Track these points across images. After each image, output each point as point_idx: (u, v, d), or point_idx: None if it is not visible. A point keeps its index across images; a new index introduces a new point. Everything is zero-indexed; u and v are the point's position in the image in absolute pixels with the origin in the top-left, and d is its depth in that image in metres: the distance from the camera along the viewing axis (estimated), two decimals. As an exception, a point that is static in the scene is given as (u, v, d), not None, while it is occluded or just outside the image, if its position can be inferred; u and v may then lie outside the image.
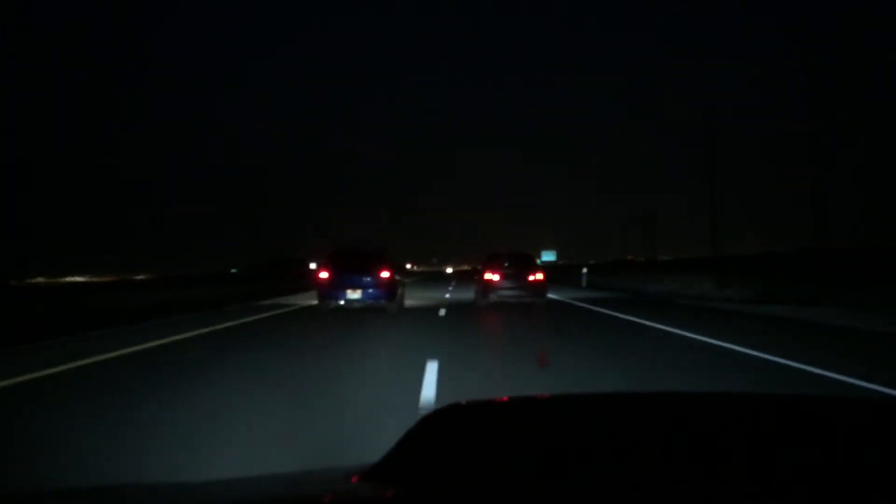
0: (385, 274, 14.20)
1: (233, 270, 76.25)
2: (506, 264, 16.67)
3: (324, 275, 14.45)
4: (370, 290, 14.05)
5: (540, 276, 16.59)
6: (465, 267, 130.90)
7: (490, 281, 16.35)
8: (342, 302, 14.18)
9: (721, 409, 1.31)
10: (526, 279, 16.34)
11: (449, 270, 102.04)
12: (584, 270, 26.02)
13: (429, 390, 5.60)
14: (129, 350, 8.54)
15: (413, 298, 20.54)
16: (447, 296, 22.96)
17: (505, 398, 1.42)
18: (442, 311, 15.31)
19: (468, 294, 22.66)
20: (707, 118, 41.73)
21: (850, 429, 1.16)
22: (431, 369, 6.62)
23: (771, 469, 0.96)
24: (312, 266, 27.12)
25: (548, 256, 58.96)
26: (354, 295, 14.04)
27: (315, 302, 15.55)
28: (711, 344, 8.74)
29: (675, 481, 0.94)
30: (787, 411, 1.29)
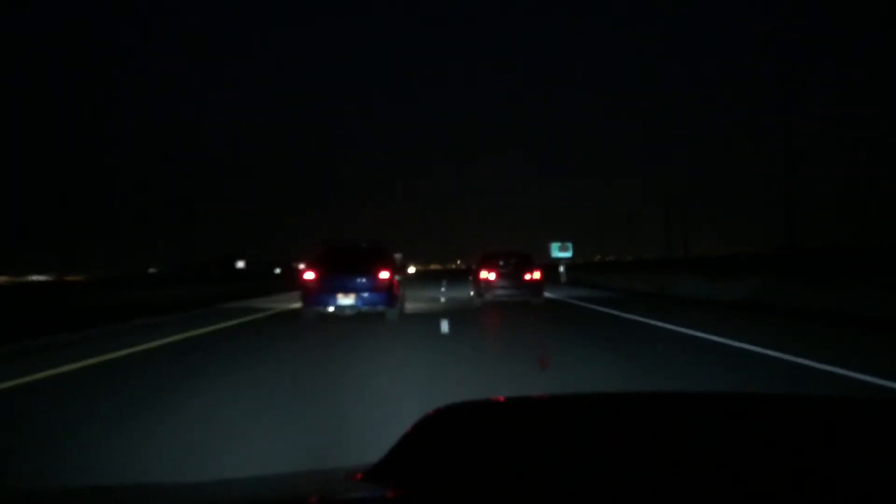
0: (384, 275, 12.16)
1: (151, 270, 66.77)
2: (501, 263, 16.63)
3: (309, 275, 12.22)
4: (366, 295, 11.99)
5: (537, 274, 16.56)
6: (435, 266, 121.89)
7: (486, 280, 16.31)
8: (331, 308, 12.04)
9: (721, 409, 1.31)
10: (522, 278, 16.32)
11: (411, 270, 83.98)
12: None
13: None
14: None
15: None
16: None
17: (502, 398, 1.43)
18: None
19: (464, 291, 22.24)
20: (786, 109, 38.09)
21: (851, 429, 1.16)
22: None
23: (771, 470, 0.96)
24: (240, 265, 24.56)
25: (561, 253, 37.73)
26: (346, 300, 11.95)
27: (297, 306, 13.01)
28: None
29: (674, 481, 0.94)
30: (788, 411, 1.28)
